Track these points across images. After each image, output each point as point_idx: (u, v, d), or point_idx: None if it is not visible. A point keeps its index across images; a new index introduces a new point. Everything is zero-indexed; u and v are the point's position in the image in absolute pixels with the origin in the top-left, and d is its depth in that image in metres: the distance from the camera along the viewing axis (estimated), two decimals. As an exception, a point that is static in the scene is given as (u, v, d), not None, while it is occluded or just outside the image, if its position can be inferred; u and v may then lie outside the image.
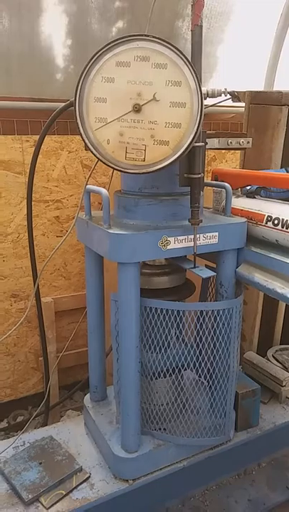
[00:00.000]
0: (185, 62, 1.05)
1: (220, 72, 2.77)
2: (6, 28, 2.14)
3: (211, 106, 1.42)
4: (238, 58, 2.76)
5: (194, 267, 1.36)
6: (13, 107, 2.16)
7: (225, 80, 2.76)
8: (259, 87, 2.92)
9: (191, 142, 1.11)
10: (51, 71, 2.33)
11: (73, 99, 1.15)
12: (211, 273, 1.37)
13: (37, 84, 2.28)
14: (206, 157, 2.57)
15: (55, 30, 2.23)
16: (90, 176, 1.38)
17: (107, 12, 2.31)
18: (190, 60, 1.08)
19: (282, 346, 2.28)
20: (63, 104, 1.46)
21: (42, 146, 1.65)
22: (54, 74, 2.34)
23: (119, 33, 2.39)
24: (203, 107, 1.08)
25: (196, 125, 1.10)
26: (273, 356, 2.16)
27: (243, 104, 2.00)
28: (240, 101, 1.36)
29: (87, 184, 1.41)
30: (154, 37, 1.04)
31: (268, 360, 2.10)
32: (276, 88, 2.91)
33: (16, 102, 2.16)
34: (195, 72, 1.06)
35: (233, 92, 1.25)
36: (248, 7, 2.61)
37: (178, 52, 1.05)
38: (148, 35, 1.04)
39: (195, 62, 1.11)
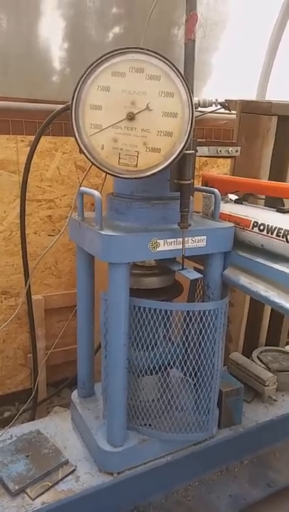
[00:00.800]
0: (177, 74, 1.11)
1: (214, 79, 2.84)
2: (4, 30, 2.17)
3: (203, 114, 1.48)
4: (232, 66, 2.82)
5: (182, 269, 1.42)
6: (9, 107, 2.19)
7: (219, 87, 2.82)
8: (252, 94, 3.00)
9: (181, 150, 1.17)
10: (48, 73, 2.37)
11: (69, 102, 1.19)
12: (198, 275, 1.42)
13: (33, 85, 2.32)
14: (198, 162, 2.64)
15: (52, 34, 2.27)
16: (83, 179, 1.42)
17: (104, 17, 2.36)
18: (183, 72, 1.13)
19: (267, 348, 2.34)
20: (59, 106, 1.50)
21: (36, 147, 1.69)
22: (50, 76, 2.38)
23: (116, 38, 2.44)
24: (194, 117, 1.14)
25: (187, 134, 1.15)
26: (258, 357, 2.22)
27: (235, 112, 2.07)
28: (230, 111, 1.42)
29: (80, 186, 1.45)
30: (148, 50, 1.10)
31: (253, 360, 2.16)
32: (269, 96, 2.99)
33: (12, 102, 2.19)
34: (187, 85, 1.11)
35: (224, 102, 1.31)
36: (243, 17, 2.68)
37: (171, 65, 1.10)
38: (143, 48, 1.10)
39: (187, 75, 1.16)
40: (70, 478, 1.52)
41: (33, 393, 2.02)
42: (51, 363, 2.44)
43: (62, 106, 1.47)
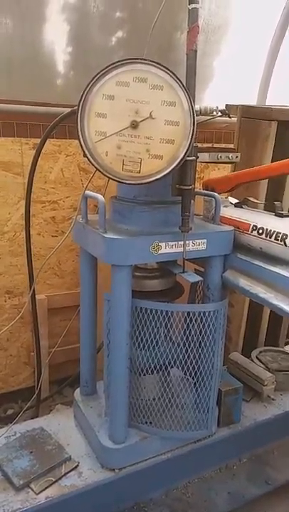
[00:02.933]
0: (179, 84, 1.15)
1: (216, 83, 2.87)
2: (9, 34, 2.21)
3: (205, 121, 1.52)
4: (234, 70, 2.85)
5: (183, 272, 1.45)
6: (14, 110, 2.23)
7: (221, 91, 2.85)
8: (253, 98, 3.03)
9: (183, 157, 1.21)
10: (52, 76, 2.41)
11: (75, 106, 1.23)
12: (198, 278, 1.46)
13: (38, 88, 2.36)
14: (200, 165, 2.68)
15: (56, 38, 2.31)
16: (88, 183, 1.46)
17: (107, 22, 2.39)
18: (184, 82, 1.17)
19: (266, 348, 2.37)
20: (63, 109, 1.53)
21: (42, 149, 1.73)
22: (54, 79, 2.42)
23: (119, 42, 2.48)
24: (196, 125, 1.17)
25: (188, 141, 1.19)
26: (257, 357, 2.26)
27: (236, 117, 2.11)
28: (230, 118, 1.46)
29: (85, 189, 1.49)
30: (151, 61, 1.14)
31: (252, 360, 2.19)
32: (269, 101, 3.02)
33: (16, 105, 2.23)
34: (188, 94, 1.15)
35: (224, 110, 1.35)
36: (245, 22, 2.71)
37: (173, 76, 1.14)
38: (146, 59, 1.13)
39: (189, 85, 1.20)
40: (73, 473, 1.56)
41: (37, 391, 2.06)
42: (54, 362, 2.48)
43: (68, 111, 1.51)
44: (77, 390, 1.88)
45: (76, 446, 1.68)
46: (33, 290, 2.02)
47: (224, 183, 1.71)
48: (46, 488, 1.49)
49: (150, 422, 1.64)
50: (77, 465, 1.59)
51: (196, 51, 1.20)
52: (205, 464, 1.82)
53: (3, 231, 2.30)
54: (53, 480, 1.52)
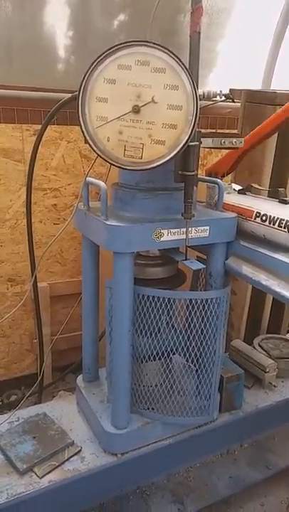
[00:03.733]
0: (182, 67, 1.12)
1: (220, 67, 2.82)
2: (8, 17, 2.17)
3: (208, 105, 1.50)
4: (238, 54, 2.80)
5: (185, 259, 1.45)
6: (14, 96, 2.20)
7: (225, 75, 2.81)
8: (257, 83, 2.98)
9: (186, 142, 1.19)
10: (52, 61, 2.37)
11: (75, 92, 1.21)
12: (201, 265, 1.45)
13: (38, 73, 2.32)
14: (203, 151, 2.65)
15: (57, 21, 2.27)
16: (90, 170, 1.45)
17: (109, 5, 2.35)
18: (187, 64, 1.15)
19: (268, 335, 2.38)
20: (64, 94, 1.51)
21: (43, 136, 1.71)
22: (55, 64, 2.38)
23: (121, 26, 2.43)
24: (199, 109, 1.15)
25: (191, 126, 1.17)
26: (259, 344, 2.26)
27: (240, 101, 2.07)
28: (234, 102, 1.43)
29: (87, 176, 1.48)
30: (154, 43, 1.11)
31: (254, 348, 2.20)
32: (274, 85, 2.97)
33: (17, 91, 2.20)
34: (191, 78, 1.12)
35: (228, 94, 1.33)
36: (249, 4, 2.65)
37: (176, 59, 1.12)
38: (148, 42, 1.11)
39: (192, 68, 1.18)
40: (75, 458, 1.58)
41: (39, 378, 2.07)
42: (56, 349, 2.49)
43: (69, 96, 1.49)
44: (80, 377, 1.89)
45: (79, 432, 1.69)
46: (35, 278, 2.02)
47: (224, 162, 1.69)
48: (49, 472, 1.51)
49: (152, 408, 1.65)
50: (80, 450, 1.61)
51: (199, 33, 1.17)
52: (206, 449, 1.84)
53: (4, 219, 2.30)
54: (56, 464, 1.53)
